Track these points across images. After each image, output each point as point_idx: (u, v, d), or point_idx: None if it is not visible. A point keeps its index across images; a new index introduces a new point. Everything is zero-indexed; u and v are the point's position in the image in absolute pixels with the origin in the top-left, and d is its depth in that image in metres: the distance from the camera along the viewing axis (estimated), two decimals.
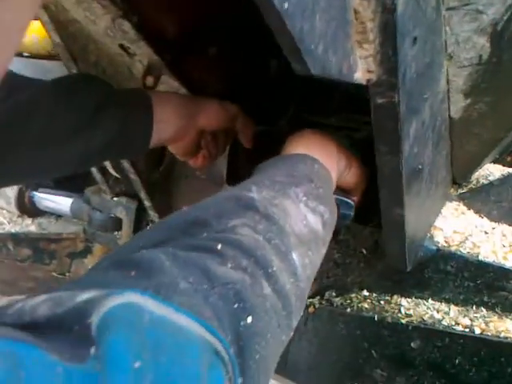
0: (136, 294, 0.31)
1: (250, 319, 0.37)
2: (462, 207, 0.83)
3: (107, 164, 1.01)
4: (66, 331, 0.28)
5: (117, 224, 1.28)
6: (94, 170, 1.10)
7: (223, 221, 0.44)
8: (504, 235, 0.77)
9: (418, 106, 0.54)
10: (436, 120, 0.63)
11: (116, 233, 1.31)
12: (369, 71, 0.46)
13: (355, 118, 0.93)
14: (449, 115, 0.68)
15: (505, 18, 0.55)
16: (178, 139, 0.71)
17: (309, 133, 0.63)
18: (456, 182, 0.85)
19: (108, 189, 1.14)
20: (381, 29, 0.43)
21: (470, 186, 0.84)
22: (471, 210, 0.82)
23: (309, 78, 0.93)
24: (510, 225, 0.80)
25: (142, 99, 0.65)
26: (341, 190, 0.66)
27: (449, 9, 0.53)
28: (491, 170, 0.84)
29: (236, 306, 0.37)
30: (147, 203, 1.03)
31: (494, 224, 0.79)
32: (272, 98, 0.97)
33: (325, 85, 1.02)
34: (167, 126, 0.67)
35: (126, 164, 0.92)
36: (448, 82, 0.63)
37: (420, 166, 0.61)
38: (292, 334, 0.45)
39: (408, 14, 0.44)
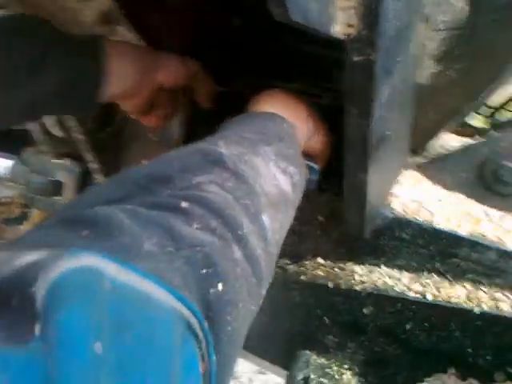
0: (92, 255, 0.26)
1: (220, 286, 0.34)
2: (419, 175, 0.83)
3: (49, 122, 0.93)
4: (1, 304, 0.22)
5: (58, 188, 1.20)
6: (34, 128, 1.01)
7: (187, 176, 0.40)
8: (457, 204, 0.79)
9: (392, 68, 0.52)
10: (405, 85, 0.62)
11: (57, 198, 1.23)
12: (349, 25, 0.44)
13: (318, 85, 0.91)
14: (417, 81, 0.67)
15: None
16: (132, 95, 0.65)
17: (279, 92, 0.60)
18: (413, 151, 0.85)
19: (50, 150, 1.06)
20: None
21: (427, 155, 0.85)
22: (427, 179, 0.83)
23: (270, 40, 0.89)
24: (463, 194, 0.81)
25: (93, 47, 0.59)
26: (305, 155, 0.64)
27: None
28: (448, 140, 0.86)
29: (205, 271, 0.33)
30: (93, 165, 0.97)
31: (448, 193, 0.81)
32: (231, 59, 0.93)
33: (287, 49, 0.99)
34: (121, 79, 0.62)
35: (71, 122, 0.85)
36: (421, 46, 0.61)
37: (387, 132, 0.60)
38: (260, 303, 0.43)
39: None
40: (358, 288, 0.75)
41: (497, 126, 1.59)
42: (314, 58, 1.03)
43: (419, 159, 0.85)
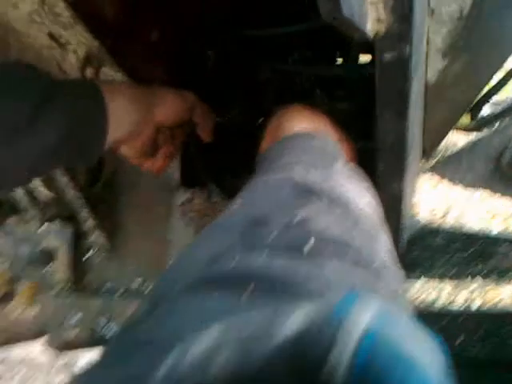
0: (376, 302, 0.19)
1: None
2: (435, 178, 0.80)
3: (36, 183, 0.86)
4: None
5: (49, 256, 1.12)
6: (19, 193, 0.94)
7: (286, 212, 0.34)
8: (483, 201, 0.75)
9: (417, 64, 0.49)
10: (421, 83, 0.59)
11: (48, 266, 1.15)
12: (378, 20, 0.40)
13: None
14: (425, 80, 0.65)
15: None
16: (134, 137, 0.60)
17: (297, 108, 0.56)
18: (424, 153, 0.83)
19: (38, 214, 0.98)
20: None
21: (439, 156, 0.82)
22: (445, 180, 0.80)
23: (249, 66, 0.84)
24: (485, 189, 0.78)
25: (91, 90, 0.53)
26: None
27: None
28: (456, 138, 0.83)
29: None
30: (90, 223, 0.90)
31: (470, 190, 0.78)
32: (218, 90, 0.89)
33: (262, 75, 0.97)
34: (121, 121, 0.57)
35: (62, 179, 0.79)
36: (428, 41, 0.59)
37: (414, 133, 0.57)
38: None
39: None
40: None
41: (479, 120, 1.60)
42: (298, 79, 1.01)
43: (432, 161, 0.83)
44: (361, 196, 0.40)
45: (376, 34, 0.41)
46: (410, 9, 0.39)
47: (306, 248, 0.29)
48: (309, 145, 0.46)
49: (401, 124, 0.48)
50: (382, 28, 0.41)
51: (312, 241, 0.30)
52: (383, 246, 0.34)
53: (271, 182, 0.39)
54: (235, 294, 0.24)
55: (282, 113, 0.56)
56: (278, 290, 0.24)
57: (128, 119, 0.57)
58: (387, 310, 0.18)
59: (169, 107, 0.62)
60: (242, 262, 0.28)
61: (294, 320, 0.17)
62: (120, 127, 0.57)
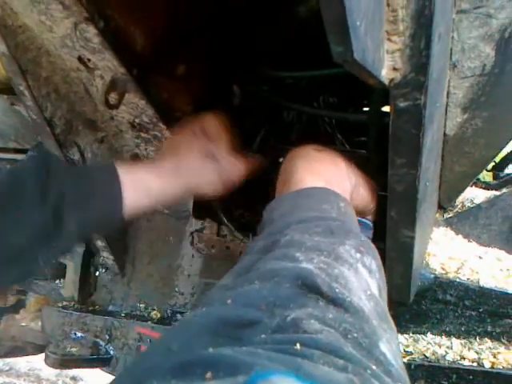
0: (281, 376, 0.22)
1: None
2: (450, 232, 0.79)
3: None
4: None
5: (59, 271, 1.13)
6: None
7: (278, 311, 0.32)
8: (499, 259, 0.73)
9: (434, 113, 0.49)
10: (439, 134, 0.58)
11: (58, 281, 1.16)
12: (394, 69, 0.41)
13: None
14: (444, 132, 0.65)
15: None
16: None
17: (311, 151, 0.55)
18: (440, 206, 0.81)
19: None
20: (414, 17, 0.38)
21: (455, 210, 0.80)
22: (460, 235, 0.78)
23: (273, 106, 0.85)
24: (500, 248, 0.76)
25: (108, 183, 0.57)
26: None
27: (460, 12, 0.49)
28: (475, 193, 0.82)
29: None
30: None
31: (485, 248, 0.76)
32: (241, 127, 0.91)
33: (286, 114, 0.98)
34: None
35: None
36: (448, 94, 0.59)
37: (427, 183, 0.56)
38: None
39: (439, 3, 0.39)
40: (405, 360, 0.67)
41: (502, 179, 1.57)
42: (308, 122, 1.01)
43: (448, 215, 0.81)
44: (364, 289, 0.38)
45: (391, 82, 0.42)
46: (427, 60, 0.40)
47: (292, 352, 0.28)
48: (317, 211, 0.44)
49: (412, 172, 0.48)
50: (398, 76, 0.41)
51: (298, 346, 0.29)
52: (377, 361, 0.32)
53: (271, 272, 0.37)
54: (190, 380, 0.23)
55: (293, 156, 0.55)
56: (230, 375, 0.23)
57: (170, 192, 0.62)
58: None
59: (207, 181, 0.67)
60: (224, 349, 0.27)
61: None
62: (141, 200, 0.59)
